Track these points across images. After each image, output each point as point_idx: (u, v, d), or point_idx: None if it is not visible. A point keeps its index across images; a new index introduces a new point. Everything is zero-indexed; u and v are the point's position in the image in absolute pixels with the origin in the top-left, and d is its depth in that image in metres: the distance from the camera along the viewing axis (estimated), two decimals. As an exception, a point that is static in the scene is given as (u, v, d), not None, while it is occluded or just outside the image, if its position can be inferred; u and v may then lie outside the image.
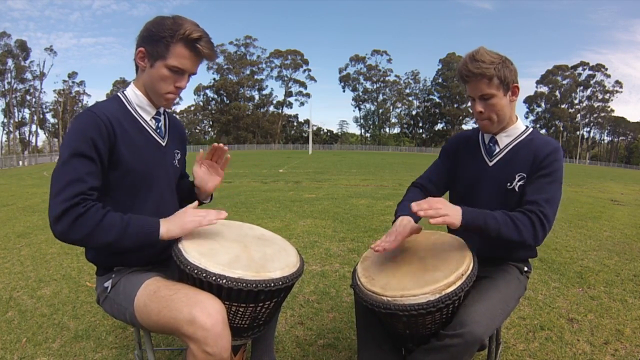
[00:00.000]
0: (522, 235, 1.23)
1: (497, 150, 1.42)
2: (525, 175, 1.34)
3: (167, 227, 1.14)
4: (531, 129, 1.43)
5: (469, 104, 1.41)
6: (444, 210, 1.17)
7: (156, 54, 1.17)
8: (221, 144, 1.36)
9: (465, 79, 1.33)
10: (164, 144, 1.31)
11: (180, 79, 1.21)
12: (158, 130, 1.30)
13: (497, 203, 1.36)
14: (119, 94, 1.27)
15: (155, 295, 1.10)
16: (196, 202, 1.27)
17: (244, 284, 1.04)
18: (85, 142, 1.09)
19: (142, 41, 1.19)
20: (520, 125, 1.42)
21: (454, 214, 1.19)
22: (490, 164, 1.42)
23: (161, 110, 1.32)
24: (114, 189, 1.19)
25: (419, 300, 1.06)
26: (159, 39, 1.15)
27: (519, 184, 1.35)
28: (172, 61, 1.16)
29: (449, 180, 1.56)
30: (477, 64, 1.27)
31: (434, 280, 1.09)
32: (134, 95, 1.25)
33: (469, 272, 1.13)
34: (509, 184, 1.36)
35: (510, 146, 1.40)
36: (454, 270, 1.11)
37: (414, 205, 1.17)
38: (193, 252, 1.09)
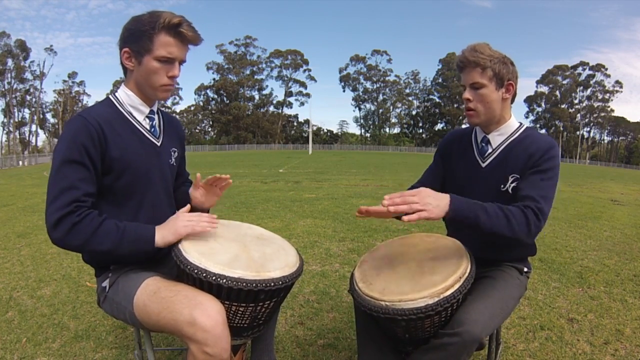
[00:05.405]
0: (514, 231, 1.15)
1: (490, 150, 1.38)
2: (518, 177, 1.30)
3: (162, 234, 1.16)
4: (525, 127, 1.37)
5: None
6: (420, 204, 1.04)
7: (142, 50, 1.16)
8: (224, 176, 1.33)
9: (460, 65, 1.33)
10: (159, 144, 1.31)
11: (171, 68, 1.20)
12: (152, 130, 1.29)
13: None
14: (110, 96, 1.27)
15: (155, 295, 1.10)
16: (188, 206, 1.27)
17: (244, 284, 1.04)
18: (76, 148, 1.09)
19: (124, 42, 1.18)
20: (513, 123, 1.37)
21: (433, 208, 1.06)
22: (483, 165, 1.38)
23: (155, 108, 1.31)
24: (109, 192, 1.19)
25: (417, 305, 1.06)
26: (140, 34, 1.15)
27: (512, 185, 1.31)
28: (159, 52, 1.15)
29: (444, 182, 1.55)
30: (475, 53, 1.27)
31: (431, 284, 1.09)
32: (125, 96, 1.25)
33: (466, 274, 1.13)
34: (502, 186, 1.33)
35: (503, 146, 1.35)
36: (452, 274, 1.11)
37: (386, 200, 1.03)
38: (193, 252, 1.10)
